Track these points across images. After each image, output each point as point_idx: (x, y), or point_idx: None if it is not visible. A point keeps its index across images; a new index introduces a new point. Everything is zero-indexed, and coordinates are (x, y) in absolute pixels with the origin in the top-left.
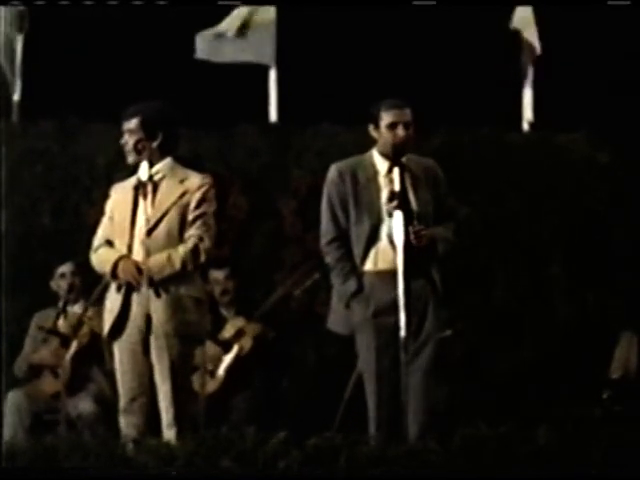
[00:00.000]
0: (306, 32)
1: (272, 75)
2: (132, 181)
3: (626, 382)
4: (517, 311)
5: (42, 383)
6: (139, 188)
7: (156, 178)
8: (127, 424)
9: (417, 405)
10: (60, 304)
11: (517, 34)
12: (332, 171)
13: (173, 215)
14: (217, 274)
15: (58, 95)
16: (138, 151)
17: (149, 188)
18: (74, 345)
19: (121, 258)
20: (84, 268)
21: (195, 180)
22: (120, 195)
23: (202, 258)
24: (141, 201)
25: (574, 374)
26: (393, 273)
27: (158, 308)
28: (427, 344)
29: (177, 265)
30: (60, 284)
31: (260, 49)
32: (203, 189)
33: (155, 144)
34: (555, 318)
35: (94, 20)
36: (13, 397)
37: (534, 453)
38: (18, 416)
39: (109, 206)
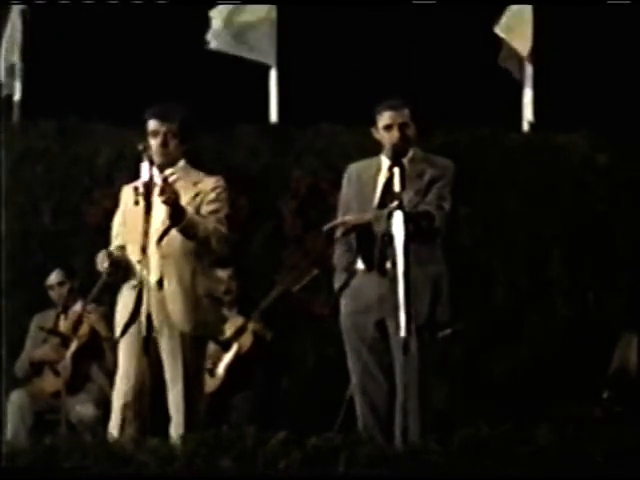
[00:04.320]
0: (307, 32)
1: (272, 75)
2: (144, 183)
3: (626, 382)
4: (517, 311)
5: (43, 382)
6: (151, 189)
7: (171, 180)
8: (128, 423)
9: (416, 405)
10: (59, 306)
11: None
12: (345, 173)
13: None
14: (221, 273)
15: (58, 95)
16: (168, 151)
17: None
18: (74, 344)
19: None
20: (77, 271)
21: (209, 182)
22: (132, 197)
23: (223, 247)
24: (155, 202)
25: (574, 374)
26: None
27: (175, 308)
28: (424, 343)
29: (203, 233)
30: (51, 294)
31: (261, 49)
32: (217, 190)
33: (184, 147)
34: (555, 318)
35: (94, 20)
36: (16, 397)
37: (534, 453)
38: (20, 416)
39: (121, 209)
